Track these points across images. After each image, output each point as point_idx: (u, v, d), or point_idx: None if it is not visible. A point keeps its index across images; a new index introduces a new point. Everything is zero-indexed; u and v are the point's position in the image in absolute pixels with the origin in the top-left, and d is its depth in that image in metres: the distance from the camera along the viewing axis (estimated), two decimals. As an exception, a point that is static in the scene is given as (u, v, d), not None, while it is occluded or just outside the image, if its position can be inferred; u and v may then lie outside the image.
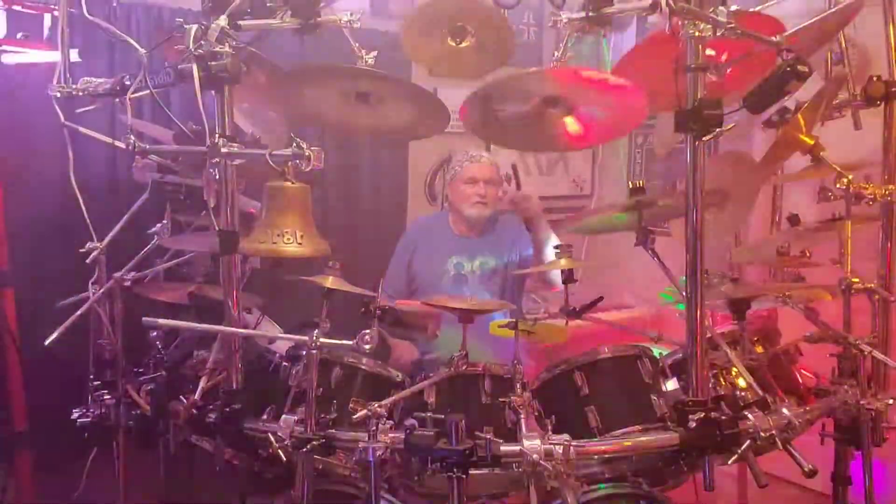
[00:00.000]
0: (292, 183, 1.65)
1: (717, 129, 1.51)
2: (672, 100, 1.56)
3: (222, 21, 1.61)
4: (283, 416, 1.62)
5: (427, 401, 1.77)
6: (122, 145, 1.74)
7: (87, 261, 2.02)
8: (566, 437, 1.56)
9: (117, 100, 1.87)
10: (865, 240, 2.05)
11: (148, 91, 1.75)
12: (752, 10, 1.77)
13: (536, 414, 1.77)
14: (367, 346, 1.55)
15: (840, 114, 2.17)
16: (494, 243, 2.74)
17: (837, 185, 1.96)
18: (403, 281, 2.75)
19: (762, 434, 1.62)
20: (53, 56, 1.98)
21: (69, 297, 2.03)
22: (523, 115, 1.89)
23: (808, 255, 2.25)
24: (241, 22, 1.66)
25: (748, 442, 1.60)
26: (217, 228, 1.70)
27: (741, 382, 1.80)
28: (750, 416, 1.64)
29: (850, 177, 1.94)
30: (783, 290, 2.15)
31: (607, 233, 2.52)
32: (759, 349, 2.00)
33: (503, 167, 2.78)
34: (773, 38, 1.54)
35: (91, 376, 2.02)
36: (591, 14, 1.65)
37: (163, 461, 2.16)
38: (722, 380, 1.83)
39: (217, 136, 1.62)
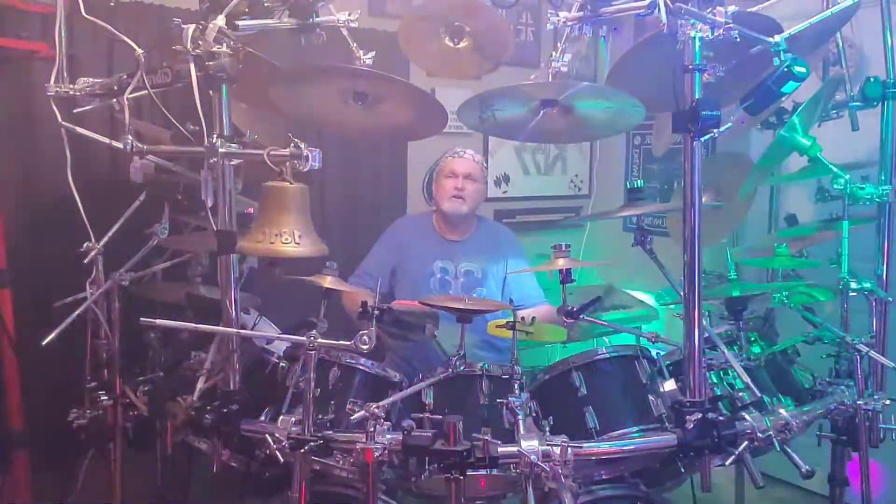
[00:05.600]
0: (290, 183, 1.65)
1: (714, 130, 1.52)
2: (669, 100, 1.56)
3: (220, 21, 1.61)
4: (281, 417, 1.62)
5: (425, 402, 1.77)
6: (120, 145, 1.74)
7: (85, 261, 2.02)
8: (564, 438, 1.56)
9: (115, 100, 1.88)
10: (863, 240, 2.06)
11: (146, 91, 1.75)
12: (749, 10, 1.78)
13: (534, 415, 1.77)
14: (365, 347, 1.55)
15: (837, 114, 2.17)
16: (478, 250, 2.67)
17: (835, 186, 1.96)
18: (386, 274, 2.65)
19: (759, 435, 1.62)
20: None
21: (67, 298, 2.02)
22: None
23: (805, 255, 2.26)
24: (238, 22, 1.66)
25: (745, 443, 1.60)
26: (215, 228, 1.70)
27: (739, 383, 1.80)
28: (747, 416, 1.65)
29: (848, 177, 1.94)
30: (781, 291, 2.16)
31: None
32: (757, 349, 2.00)
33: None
34: (771, 39, 1.54)
35: (88, 377, 2.01)
36: (588, 14, 1.66)
37: (160, 462, 2.15)
38: (719, 380, 1.83)
39: (215, 136, 1.62)
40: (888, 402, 1.92)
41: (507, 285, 2.63)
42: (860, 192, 1.94)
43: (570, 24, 1.70)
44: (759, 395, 1.73)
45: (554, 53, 1.81)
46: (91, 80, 1.93)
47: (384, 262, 2.67)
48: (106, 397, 1.97)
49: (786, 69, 1.51)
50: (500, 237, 2.78)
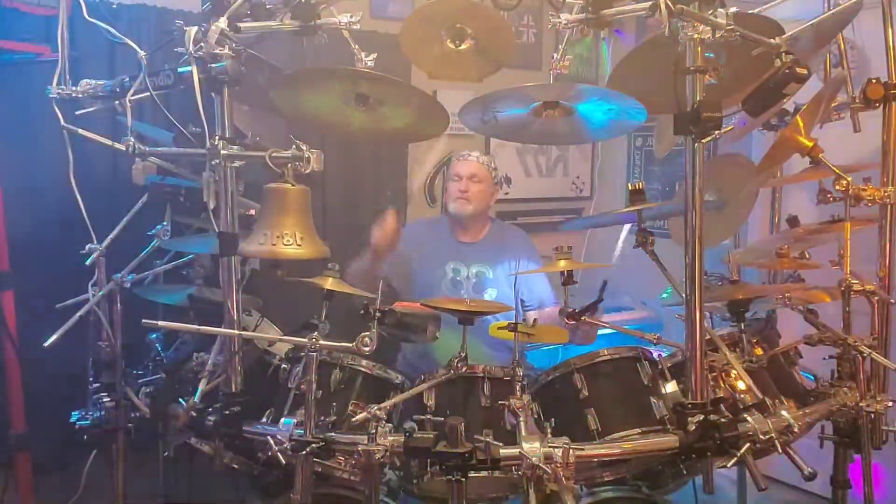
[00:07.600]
0: (292, 185, 1.65)
1: (716, 132, 1.51)
2: (671, 102, 1.56)
3: (222, 23, 1.61)
4: (283, 419, 1.62)
5: (426, 403, 1.77)
6: (122, 147, 1.74)
7: (87, 262, 2.02)
8: (565, 440, 1.56)
9: (117, 102, 1.88)
10: (864, 241, 2.05)
11: (148, 93, 1.75)
12: (750, 12, 1.78)
13: (536, 416, 1.77)
14: (367, 348, 1.55)
15: (839, 116, 2.17)
16: (493, 253, 2.70)
17: (836, 187, 1.96)
18: (402, 281, 2.72)
19: (761, 437, 1.62)
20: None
21: (69, 299, 2.03)
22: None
23: (807, 256, 2.25)
24: (240, 24, 1.66)
25: (747, 445, 1.59)
26: (217, 230, 1.70)
27: (740, 385, 1.79)
28: (749, 418, 1.64)
29: (849, 179, 1.94)
30: (782, 292, 2.15)
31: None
32: (759, 351, 2.00)
33: (501, 170, 2.76)
34: (772, 41, 1.54)
35: (90, 378, 2.02)
36: (590, 16, 1.66)
37: (162, 464, 2.16)
38: (721, 382, 1.83)
39: (217, 138, 1.62)
40: (890, 403, 1.92)
41: (517, 286, 2.65)
42: (862, 194, 1.94)
43: (571, 25, 1.70)
44: (760, 396, 1.73)
45: (555, 55, 1.81)
46: (93, 82, 1.94)
47: (399, 270, 2.68)
48: (108, 398, 1.97)
49: (787, 70, 1.51)
50: (513, 239, 2.79)
